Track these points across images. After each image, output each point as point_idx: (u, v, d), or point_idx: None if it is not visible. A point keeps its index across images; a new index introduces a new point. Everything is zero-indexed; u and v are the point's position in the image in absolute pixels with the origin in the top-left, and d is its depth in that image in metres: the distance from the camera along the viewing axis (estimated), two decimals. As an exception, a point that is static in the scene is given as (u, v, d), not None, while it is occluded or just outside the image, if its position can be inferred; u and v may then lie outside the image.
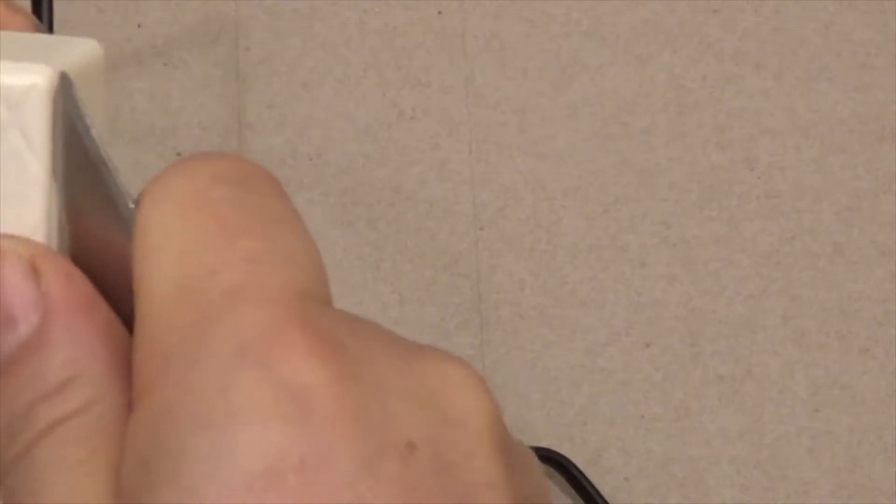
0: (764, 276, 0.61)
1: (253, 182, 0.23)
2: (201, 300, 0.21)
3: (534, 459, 0.23)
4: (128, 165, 0.60)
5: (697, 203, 0.62)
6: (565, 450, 0.58)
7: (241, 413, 0.19)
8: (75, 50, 0.26)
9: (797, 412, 0.59)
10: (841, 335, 0.60)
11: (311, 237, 0.23)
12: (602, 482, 0.58)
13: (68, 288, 0.23)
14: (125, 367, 0.22)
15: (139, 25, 0.62)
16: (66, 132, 0.24)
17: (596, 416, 0.59)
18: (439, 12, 0.63)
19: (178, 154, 0.61)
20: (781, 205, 0.62)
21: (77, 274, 0.23)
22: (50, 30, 0.53)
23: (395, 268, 0.60)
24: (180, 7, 0.63)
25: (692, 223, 0.61)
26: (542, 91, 0.63)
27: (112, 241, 0.23)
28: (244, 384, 0.20)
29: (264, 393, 0.19)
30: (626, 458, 0.59)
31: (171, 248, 0.21)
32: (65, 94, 0.24)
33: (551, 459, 0.57)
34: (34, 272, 0.23)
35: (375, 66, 0.62)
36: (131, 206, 0.23)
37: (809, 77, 0.63)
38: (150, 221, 0.22)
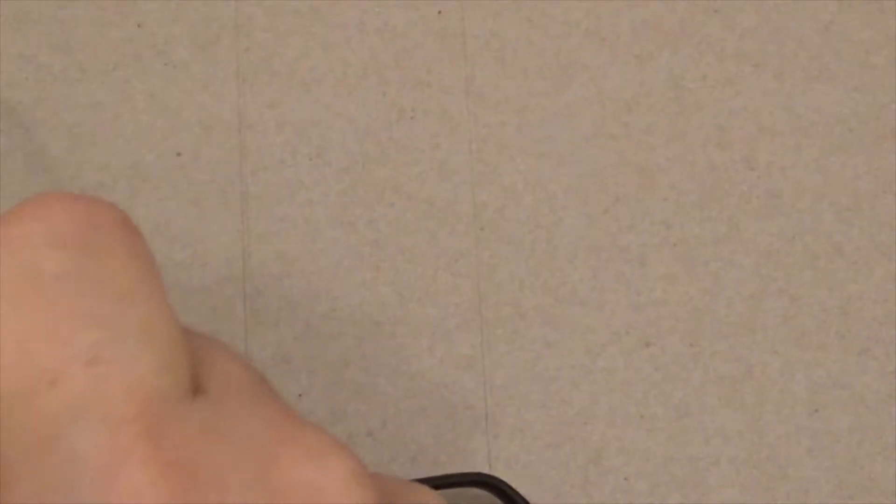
0: (764, 276, 0.61)
1: (93, 238, 0.20)
2: (40, 418, 0.19)
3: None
4: (128, 165, 0.60)
5: (697, 203, 0.62)
6: (565, 449, 0.58)
7: None
8: None
9: (797, 412, 0.59)
10: (841, 335, 0.60)
11: (162, 304, 0.20)
12: (602, 482, 0.58)
13: None
14: None
15: (139, 25, 0.62)
16: None
17: (596, 416, 0.59)
18: (439, 12, 0.63)
19: (178, 154, 0.61)
20: (781, 205, 0.62)
21: None
22: None
23: (395, 268, 0.60)
24: (180, 7, 0.63)
25: (692, 223, 0.61)
26: (542, 91, 0.63)
27: None
28: None
29: None
30: (625, 457, 0.59)
31: (8, 346, 0.19)
32: None
33: (487, 484, 0.56)
34: None
35: (375, 66, 0.62)
36: None
37: (809, 77, 0.63)
38: None
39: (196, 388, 0.20)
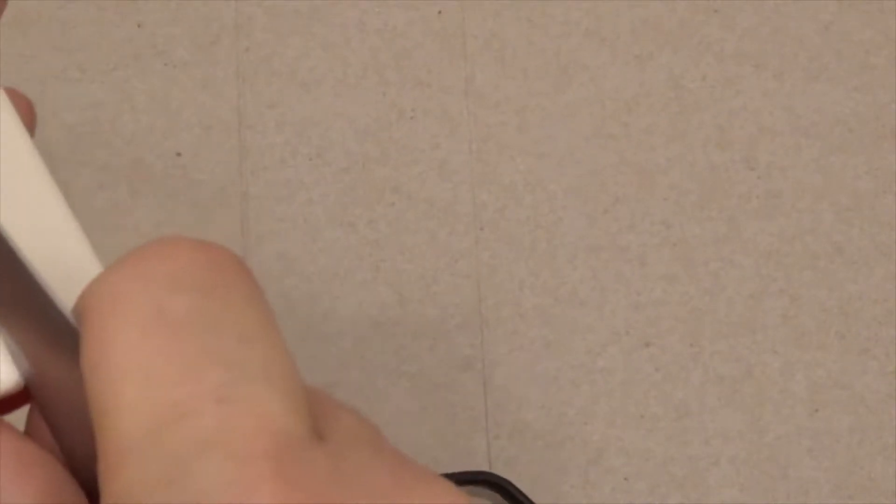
0: (764, 276, 0.61)
1: (216, 285, 0.20)
2: (169, 452, 0.19)
3: None
4: (128, 165, 0.60)
5: (697, 203, 0.62)
6: (565, 449, 0.58)
7: None
8: None
9: (797, 412, 0.59)
10: (841, 335, 0.60)
11: (282, 346, 0.20)
12: (602, 482, 0.58)
13: None
14: (57, 489, 0.21)
15: (139, 25, 0.62)
16: None
17: (596, 416, 0.59)
18: (439, 12, 0.63)
19: (178, 154, 0.61)
20: (781, 205, 0.62)
21: None
22: None
23: (395, 268, 0.60)
24: (180, 7, 0.63)
25: (692, 223, 0.61)
26: (542, 91, 0.63)
27: (49, 344, 0.21)
28: None
29: None
30: (625, 457, 0.59)
31: (134, 380, 0.19)
32: None
33: (490, 483, 0.56)
34: None
35: (375, 66, 0.62)
36: (63, 310, 0.20)
37: (809, 77, 0.63)
38: (104, 341, 0.20)
39: (318, 435, 0.20)
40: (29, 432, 0.23)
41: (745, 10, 0.64)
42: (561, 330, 0.60)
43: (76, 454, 0.21)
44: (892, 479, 0.59)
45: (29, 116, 0.24)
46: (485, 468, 0.57)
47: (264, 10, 0.63)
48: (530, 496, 0.56)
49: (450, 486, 0.20)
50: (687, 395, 0.59)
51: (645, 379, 0.59)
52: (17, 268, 0.21)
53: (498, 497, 0.56)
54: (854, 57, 0.64)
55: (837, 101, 0.63)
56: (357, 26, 0.63)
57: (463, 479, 0.56)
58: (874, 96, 0.63)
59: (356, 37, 0.63)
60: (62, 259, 0.23)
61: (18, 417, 0.23)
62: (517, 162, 0.62)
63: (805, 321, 0.61)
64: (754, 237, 0.61)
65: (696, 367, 0.60)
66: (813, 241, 0.62)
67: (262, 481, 0.18)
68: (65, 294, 0.21)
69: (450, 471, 0.56)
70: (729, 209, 0.62)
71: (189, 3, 0.63)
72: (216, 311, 0.20)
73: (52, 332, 0.21)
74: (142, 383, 0.19)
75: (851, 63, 0.64)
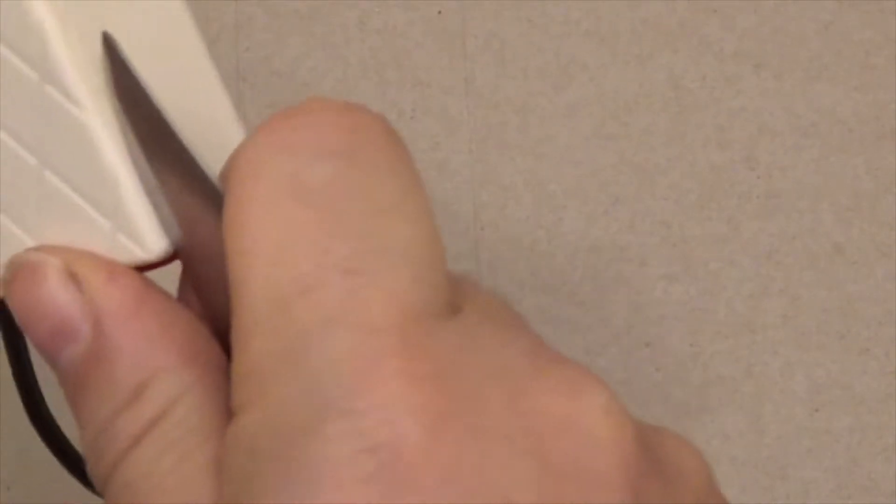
0: (764, 276, 0.61)
1: (359, 150, 0.20)
2: (294, 325, 0.19)
3: (691, 461, 0.21)
4: (128, 165, 0.60)
5: (697, 203, 0.62)
6: (565, 450, 0.58)
7: (321, 468, 0.18)
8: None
9: (797, 412, 0.59)
10: (841, 335, 0.60)
11: (425, 221, 0.20)
12: (602, 482, 0.58)
13: (112, 287, 0.21)
14: (197, 356, 0.21)
15: (139, 25, 0.62)
16: (121, 91, 0.22)
17: (596, 416, 0.59)
18: (439, 12, 0.63)
19: (178, 154, 0.61)
20: (781, 205, 0.62)
21: (119, 269, 0.21)
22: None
23: (395, 268, 0.60)
24: (180, 7, 0.63)
25: (692, 223, 0.61)
26: (542, 91, 0.63)
27: (197, 208, 0.21)
28: (328, 434, 0.18)
29: (347, 448, 0.18)
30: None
31: (265, 252, 0.19)
32: (109, 54, 0.22)
33: None
34: (73, 279, 0.21)
35: (375, 66, 0.62)
36: (210, 175, 0.21)
37: (809, 77, 0.63)
38: (240, 211, 0.20)
39: (453, 311, 0.20)
40: (179, 298, 0.23)
41: (745, 10, 0.64)
42: (561, 330, 0.60)
43: (221, 320, 0.21)
44: (892, 479, 0.59)
45: None
46: (485, 468, 0.57)
47: (264, 10, 0.63)
48: (530, 496, 0.56)
49: (582, 372, 0.21)
50: (686, 395, 0.59)
51: (645, 379, 0.59)
52: (168, 133, 0.21)
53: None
54: (854, 57, 0.64)
55: (837, 101, 0.63)
56: (357, 26, 0.63)
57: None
58: (874, 96, 0.63)
59: (356, 37, 0.63)
60: (212, 122, 0.23)
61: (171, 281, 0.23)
62: (517, 162, 0.62)
63: (805, 321, 0.61)
64: (754, 237, 0.61)
65: (696, 366, 0.60)
66: (813, 241, 0.62)
67: (386, 354, 0.18)
68: (214, 160, 0.22)
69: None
70: (729, 209, 0.62)
71: (188, 4, 0.63)
72: (355, 180, 0.20)
73: (203, 196, 0.21)
74: (271, 255, 0.19)
75: (851, 63, 0.64)
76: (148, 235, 0.22)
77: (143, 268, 0.22)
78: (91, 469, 0.21)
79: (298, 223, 0.19)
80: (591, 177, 0.62)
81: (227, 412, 0.20)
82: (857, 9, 0.64)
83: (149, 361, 0.21)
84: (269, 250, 0.19)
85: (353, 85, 0.62)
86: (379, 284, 0.19)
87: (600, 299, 0.60)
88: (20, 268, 0.21)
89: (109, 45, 0.23)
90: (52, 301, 0.21)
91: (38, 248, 0.22)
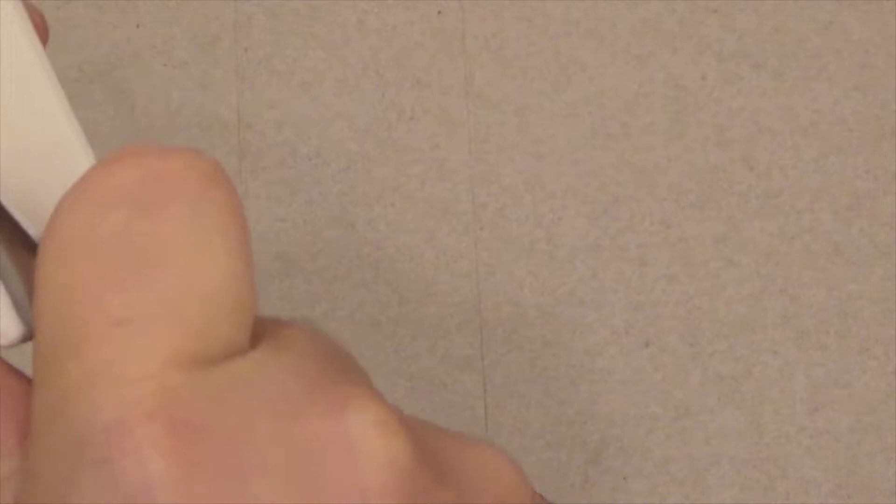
0: (764, 275, 0.61)
1: (161, 198, 0.20)
2: (61, 381, 0.19)
3: (491, 474, 0.21)
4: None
5: (697, 203, 0.62)
6: (565, 449, 0.58)
7: None
8: None
9: (797, 412, 0.59)
10: (841, 335, 0.60)
11: (222, 264, 0.20)
12: (601, 482, 0.58)
13: None
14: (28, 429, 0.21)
15: (139, 25, 0.62)
16: None
17: (596, 416, 0.59)
18: (439, 12, 0.63)
19: (178, 154, 0.61)
20: (781, 204, 0.62)
21: None
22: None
23: (395, 268, 0.60)
24: (180, 7, 0.63)
25: (692, 223, 0.61)
26: (542, 91, 0.63)
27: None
28: (85, 485, 0.18)
29: (102, 496, 0.18)
30: (625, 457, 0.59)
31: (49, 308, 0.20)
32: None
33: None
34: None
35: (375, 66, 0.62)
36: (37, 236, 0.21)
37: (809, 77, 0.63)
38: (41, 268, 0.20)
39: (240, 351, 0.20)
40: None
41: (745, 10, 0.64)
42: (561, 330, 0.60)
43: None
44: (892, 479, 0.59)
45: (41, 28, 0.24)
46: (485, 468, 0.57)
47: (264, 10, 0.63)
48: (530, 496, 0.56)
49: (354, 390, 0.20)
50: (686, 395, 0.59)
51: (644, 379, 0.59)
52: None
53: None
54: (854, 57, 0.64)
55: (837, 100, 0.63)
56: (357, 26, 0.63)
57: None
58: (874, 96, 0.63)
59: (356, 37, 0.63)
60: (53, 152, 0.23)
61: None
62: (517, 162, 0.62)
63: (805, 321, 0.61)
64: (754, 237, 0.61)
65: (696, 366, 0.60)
66: (812, 241, 0.62)
67: (140, 404, 0.18)
68: (59, 193, 0.21)
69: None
70: (728, 209, 0.62)
71: (188, 4, 0.63)
72: (144, 230, 0.20)
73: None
74: (53, 310, 0.20)
75: (851, 63, 0.64)
76: (3, 322, 0.22)
77: None
78: None
79: (79, 277, 0.20)
80: (591, 177, 0.62)
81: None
82: (856, 8, 0.64)
83: None
84: (52, 306, 0.20)
85: (353, 85, 0.62)
86: (146, 334, 0.19)
87: (600, 299, 0.60)
88: None
89: None
90: None
91: None
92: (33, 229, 0.21)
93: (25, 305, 0.22)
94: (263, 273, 0.59)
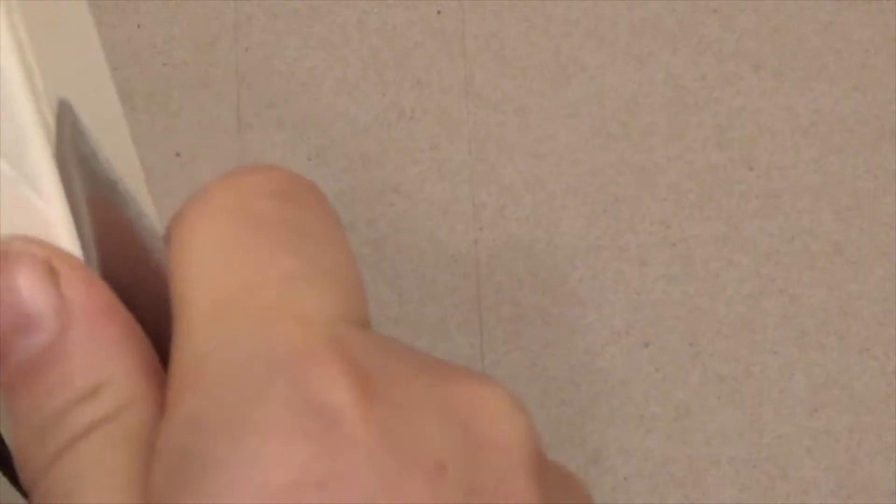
0: (764, 275, 0.61)
1: (299, 196, 0.23)
2: (239, 315, 0.21)
3: (577, 484, 0.23)
4: (128, 165, 0.60)
5: (697, 203, 0.62)
6: (565, 449, 0.58)
7: (268, 427, 0.20)
8: (70, 59, 0.25)
9: (796, 412, 0.59)
10: (840, 335, 0.60)
11: (351, 257, 0.23)
12: (601, 482, 0.58)
13: (89, 291, 0.22)
14: (150, 372, 0.22)
15: (139, 25, 0.62)
16: (76, 160, 0.23)
17: (595, 416, 0.59)
18: (439, 12, 0.63)
19: (178, 154, 0.61)
20: (781, 205, 0.62)
21: (96, 278, 0.23)
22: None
23: (395, 268, 0.60)
24: (180, 7, 0.63)
25: (692, 223, 0.61)
26: (542, 91, 0.63)
27: (136, 258, 0.23)
28: (272, 399, 0.20)
29: (291, 410, 0.20)
30: (625, 457, 0.59)
31: (214, 262, 0.21)
32: (66, 120, 0.23)
33: None
34: (52, 274, 0.22)
35: (375, 66, 0.62)
36: (150, 223, 0.22)
37: (809, 77, 0.63)
38: (192, 234, 0.22)
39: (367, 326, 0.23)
40: None
41: (745, 10, 0.64)
42: (561, 330, 0.60)
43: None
44: (892, 479, 0.59)
45: None
46: (484, 468, 0.58)
47: (264, 10, 0.63)
48: (530, 496, 0.56)
49: (486, 374, 0.22)
50: (686, 395, 0.59)
51: (644, 379, 0.59)
52: (114, 195, 0.23)
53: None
54: (853, 57, 0.64)
55: (837, 101, 0.63)
56: (356, 26, 0.63)
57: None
58: (874, 96, 0.63)
59: (355, 37, 0.63)
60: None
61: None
62: (517, 162, 0.62)
63: (805, 321, 0.61)
64: (754, 237, 0.61)
65: (696, 366, 0.60)
66: (812, 241, 0.62)
67: (322, 345, 0.20)
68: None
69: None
70: (728, 209, 0.62)
71: (188, 3, 0.63)
72: (297, 215, 0.22)
73: (140, 239, 0.23)
74: (219, 265, 0.21)
75: (851, 63, 0.64)
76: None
77: None
78: (24, 462, 0.22)
79: (245, 240, 0.22)
80: (591, 177, 0.62)
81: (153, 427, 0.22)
82: (856, 9, 0.64)
83: (108, 364, 0.22)
84: (217, 260, 0.21)
85: (352, 85, 0.62)
86: (313, 293, 0.21)
87: (600, 299, 0.60)
88: None
89: (66, 110, 0.23)
90: (28, 291, 0.22)
91: (16, 237, 0.23)
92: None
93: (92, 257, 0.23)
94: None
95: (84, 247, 0.23)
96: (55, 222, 0.23)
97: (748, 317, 0.60)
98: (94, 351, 0.22)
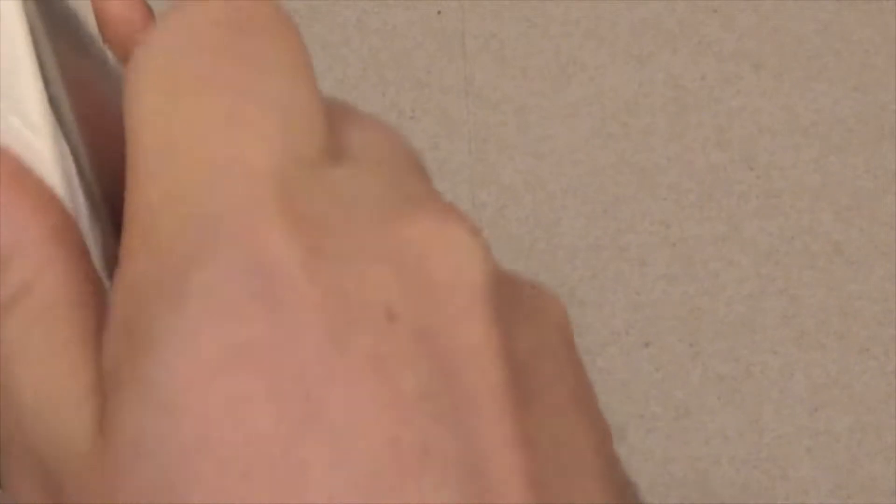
0: (763, 275, 0.61)
1: (253, 23, 0.22)
2: (185, 167, 0.20)
3: (548, 304, 0.22)
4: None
5: (697, 203, 0.62)
6: (565, 450, 0.58)
7: (211, 290, 0.19)
8: None
9: (796, 412, 0.59)
10: (840, 335, 0.60)
11: (308, 83, 0.22)
12: (602, 482, 0.58)
13: None
14: (64, 236, 0.22)
15: (139, 25, 0.62)
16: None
17: (596, 416, 0.59)
18: (439, 12, 0.63)
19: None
20: (781, 204, 0.62)
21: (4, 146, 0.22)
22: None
23: (395, 268, 0.60)
24: (180, 7, 0.63)
25: (692, 223, 0.61)
26: (542, 91, 0.63)
27: (100, 93, 0.23)
28: (215, 262, 0.19)
29: (234, 272, 0.19)
30: (625, 457, 0.59)
31: (156, 103, 0.21)
32: None
33: None
34: None
35: (375, 66, 0.62)
36: (106, 51, 0.22)
37: (809, 77, 0.63)
38: (138, 71, 0.21)
39: (335, 156, 0.22)
40: None
41: (745, 10, 0.64)
42: (561, 330, 0.60)
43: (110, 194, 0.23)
44: (892, 479, 0.59)
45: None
46: (485, 468, 0.58)
47: (264, 10, 0.63)
48: (530, 496, 0.56)
49: (454, 208, 0.22)
50: (686, 395, 0.59)
51: (644, 379, 0.59)
52: (71, 24, 0.23)
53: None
54: (854, 57, 0.64)
55: (837, 101, 0.63)
56: (356, 26, 0.63)
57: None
58: (874, 96, 0.63)
59: (355, 37, 0.63)
60: None
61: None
62: (517, 162, 0.62)
63: (805, 321, 0.61)
64: (754, 237, 0.61)
65: (696, 366, 0.60)
66: (812, 241, 0.62)
67: (266, 200, 0.20)
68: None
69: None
70: (728, 209, 0.62)
71: None
72: (248, 45, 0.22)
73: (93, 64, 0.23)
74: (161, 107, 0.21)
75: (851, 63, 0.64)
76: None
77: None
78: None
79: (186, 78, 0.21)
80: (591, 177, 0.62)
81: (92, 282, 0.22)
82: (856, 9, 0.64)
83: (14, 234, 0.22)
84: (161, 102, 0.21)
85: (352, 85, 0.62)
86: (258, 133, 0.21)
87: (600, 299, 0.60)
88: None
89: None
90: None
91: None
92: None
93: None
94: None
95: (48, 79, 0.22)
96: (20, 63, 0.22)
97: (748, 317, 0.60)
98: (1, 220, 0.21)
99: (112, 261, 0.22)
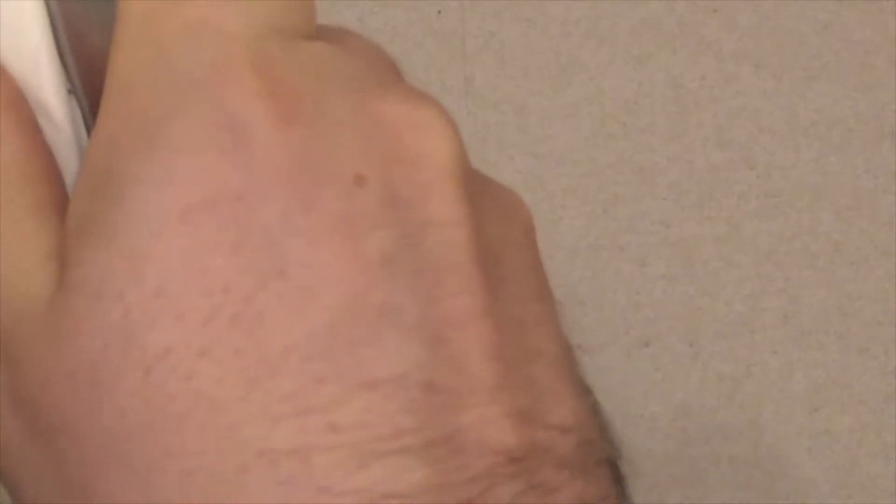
0: (763, 275, 0.61)
1: None
2: (162, 31, 0.21)
3: (513, 200, 0.23)
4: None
5: (697, 203, 0.62)
6: (565, 450, 0.58)
7: (181, 142, 0.20)
8: None
9: (796, 412, 0.59)
10: (840, 335, 0.60)
11: None
12: (602, 482, 0.58)
13: None
14: (18, 109, 0.22)
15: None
16: None
17: (596, 415, 0.59)
18: (439, 12, 0.63)
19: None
20: (781, 204, 0.62)
21: None
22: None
23: (395, 268, 0.60)
24: (180, 7, 0.63)
25: (692, 223, 0.61)
26: (542, 91, 0.63)
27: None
28: (188, 116, 0.20)
29: (205, 125, 0.20)
30: (625, 457, 0.59)
31: None
32: None
33: None
34: None
35: (375, 66, 0.62)
36: None
37: (809, 77, 0.63)
38: None
39: (317, 37, 0.23)
40: None
41: (745, 10, 0.64)
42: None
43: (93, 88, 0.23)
44: (892, 479, 0.59)
45: None
46: (485, 468, 0.57)
47: (264, 10, 0.63)
48: (530, 496, 0.56)
49: (428, 94, 0.22)
50: (686, 395, 0.59)
51: (645, 379, 0.59)
52: None
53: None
54: (854, 57, 0.64)
55: (837, 101, 0.63)
56: (356, 26, 0.63)
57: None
58: (874, 96, 0.63)
59: (356, 37, 0.63)
60: None
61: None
62: (517, 162, 0.62)
63: (805, 321, 0.61)
64: (754, 237, 0.61)
65: (696, 366, 0.60)
66: (812, 241, 0.62)
67: (243, 63, 0.20)
68: None
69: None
70: (728, 209, 0.62)
71: None
72: None
73: None
74: None
75: (851, 63, 0.64)
76: None
77: None
78: None
79: None
80: (591, 177, 0.62)
81: (46, 157, 0.22)
82: (856, 9, 0.64)
83: None
84: None
85: (352, 85, 0.62)
86: (241, 3, 0.21)
87: (600, 299, 0.60)
88: None
89: None
90: None
91: None
92: None
93: None
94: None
95: None
96: None
97: (748, 317, 0.60)
98: None
99: None
